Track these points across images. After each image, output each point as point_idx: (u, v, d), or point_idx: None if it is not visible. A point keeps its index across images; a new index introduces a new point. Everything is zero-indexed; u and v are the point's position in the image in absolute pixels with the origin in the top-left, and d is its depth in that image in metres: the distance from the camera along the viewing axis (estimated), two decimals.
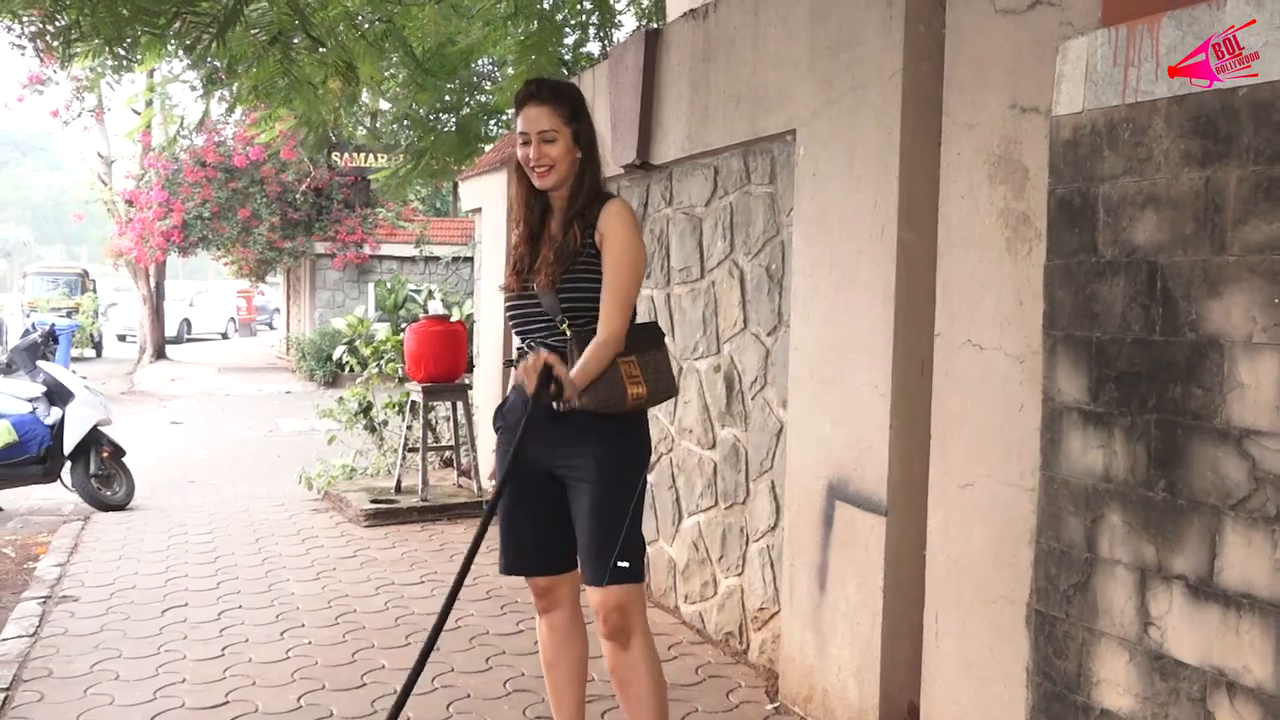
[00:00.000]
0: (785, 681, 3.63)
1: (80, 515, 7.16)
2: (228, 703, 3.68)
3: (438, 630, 2.54)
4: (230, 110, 11.90)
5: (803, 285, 3.55)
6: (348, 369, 9.63)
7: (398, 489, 6.94)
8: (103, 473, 7.66)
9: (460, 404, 7.04)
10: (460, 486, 7.17)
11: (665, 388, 2.79)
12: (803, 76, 3.55)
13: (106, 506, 7.51)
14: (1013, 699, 2.65)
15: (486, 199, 7.29)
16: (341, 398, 8.23)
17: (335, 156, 17.74)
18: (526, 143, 2.75)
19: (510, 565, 2.90)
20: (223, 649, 4.21)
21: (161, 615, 4.66)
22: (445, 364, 6.80)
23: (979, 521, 2.80)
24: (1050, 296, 2.52)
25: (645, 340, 2.78)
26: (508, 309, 2.88)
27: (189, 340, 28.21)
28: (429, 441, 6.95)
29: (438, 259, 19.21)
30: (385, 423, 8.18)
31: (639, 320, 2.84)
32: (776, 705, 3.61)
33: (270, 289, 34.18)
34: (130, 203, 18.25)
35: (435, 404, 7.13)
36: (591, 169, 2.79)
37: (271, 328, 36.46)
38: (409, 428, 7.10)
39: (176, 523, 6.67)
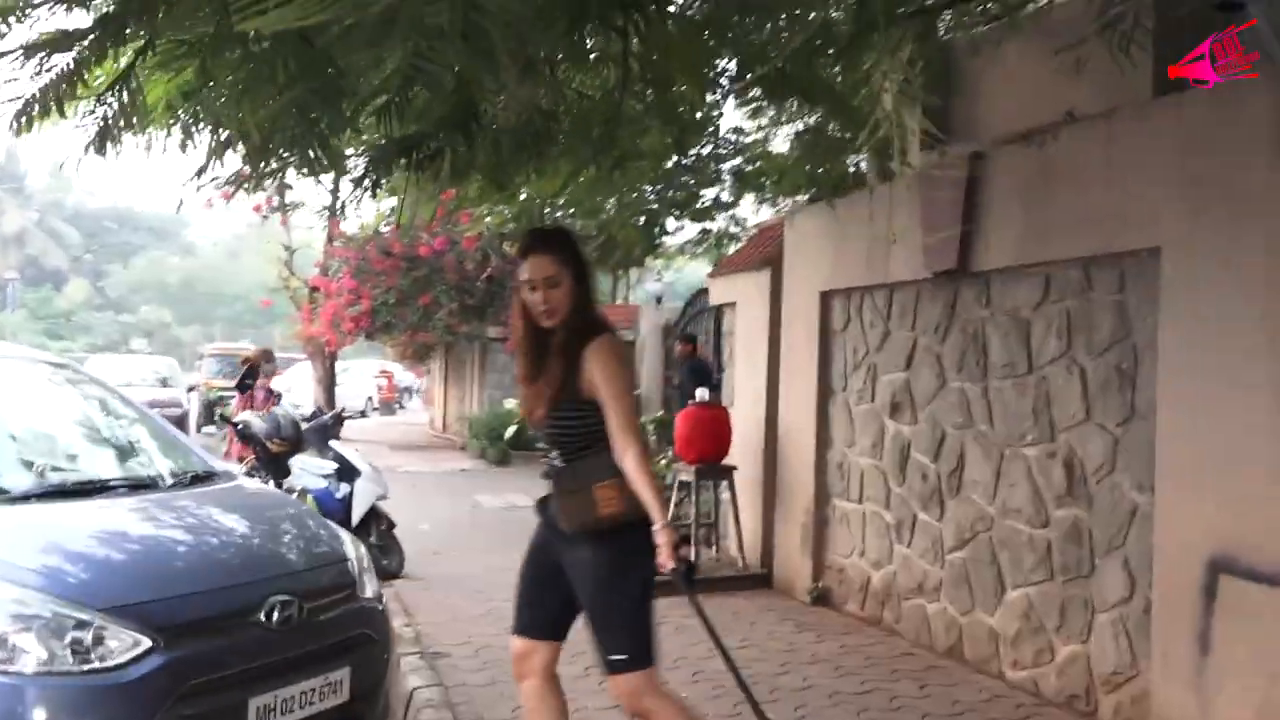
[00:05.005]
0: None
1: None
2: None
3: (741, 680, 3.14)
4: (454, 211, 12.80)
5: (1174, 385, 4.04)
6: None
7: None
8: (381, 544, 8.37)
9: (725, 482, 7.60)
10: (719, 560, 7.70)
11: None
12: (1168, 197, 4.08)
13: (385, 575, 8.17)
14: None
15: (743, 294, 7.90)
16: None
17: (504, 245, 18.67)
18: (534, 289, 3.08)
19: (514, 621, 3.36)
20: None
21: None
22: (713, 445, 7.40)
23: None
24: None
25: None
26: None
27: None
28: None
29: None
30: None
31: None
32: None
33: (396, 367, 35.16)
34: (316, 289, 19.50)
35: (705, 483, 7.69)
36: (585, 295, 3.12)
37: (402, 407, 37.26)
38: (678, 504, 7.68)
39: (469, 588, 7.31)
